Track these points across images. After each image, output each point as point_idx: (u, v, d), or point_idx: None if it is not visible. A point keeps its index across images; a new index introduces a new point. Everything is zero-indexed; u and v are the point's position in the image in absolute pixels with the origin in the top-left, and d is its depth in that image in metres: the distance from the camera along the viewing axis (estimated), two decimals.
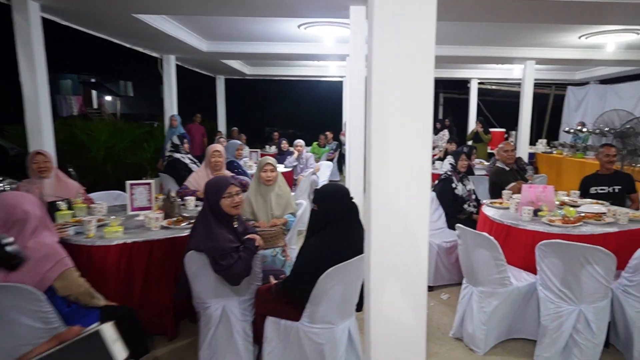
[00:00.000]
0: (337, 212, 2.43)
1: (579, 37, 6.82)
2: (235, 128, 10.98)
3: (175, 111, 8.44)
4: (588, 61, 8.24)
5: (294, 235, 3.66)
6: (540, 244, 2.79)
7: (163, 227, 3.19)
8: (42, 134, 4.42)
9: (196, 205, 3.88)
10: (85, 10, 5.02)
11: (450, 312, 3.60)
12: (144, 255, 2.94)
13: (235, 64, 10.45)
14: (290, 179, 6.66)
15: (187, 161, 6.09)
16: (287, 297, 2.50)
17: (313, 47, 7.79)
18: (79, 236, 2.93)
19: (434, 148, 9.28)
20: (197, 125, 10.68)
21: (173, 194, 3.67)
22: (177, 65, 8.95)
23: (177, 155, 5.82)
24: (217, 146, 4.42)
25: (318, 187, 7.33)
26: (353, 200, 2.54)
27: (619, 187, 4.11)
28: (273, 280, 2.69)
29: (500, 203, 3.84)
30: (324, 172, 7.34)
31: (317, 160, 9.03)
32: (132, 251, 2.91)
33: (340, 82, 12.16)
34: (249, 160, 7.15)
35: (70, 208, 3.38)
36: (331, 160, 9.37)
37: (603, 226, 3.10)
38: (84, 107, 18.96)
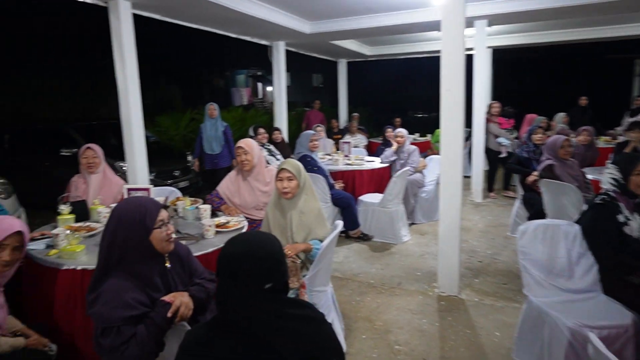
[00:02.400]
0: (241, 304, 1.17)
1: None
2: (356, 114, 9.26)
3: (284, 100, 7.24)
4: None
5: (321, 271, 2.36)
6: None
7: None
8: (131, 126, 4.24)
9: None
10: (172, 5, 4.53)
11: None
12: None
13: (350, 45, 8.79)
14: (387, 178, 4.86)
15: (265, 153, 4.90)
16: None
17: (434, 14, 5.66)
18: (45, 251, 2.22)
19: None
20: (315, 112, 9.64)
21: (169, 202, 2.84)
22: (294, 52, 8.04)
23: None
24: (241, 142, 3.09)
25: (424, 187, 5.25)
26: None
27: None
28: None
29: None
30: (432, 169, 5.15)
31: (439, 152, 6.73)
32: (83, 281, 2.02)
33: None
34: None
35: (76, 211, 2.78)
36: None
37: None
38: (252, 97, 19.90)
